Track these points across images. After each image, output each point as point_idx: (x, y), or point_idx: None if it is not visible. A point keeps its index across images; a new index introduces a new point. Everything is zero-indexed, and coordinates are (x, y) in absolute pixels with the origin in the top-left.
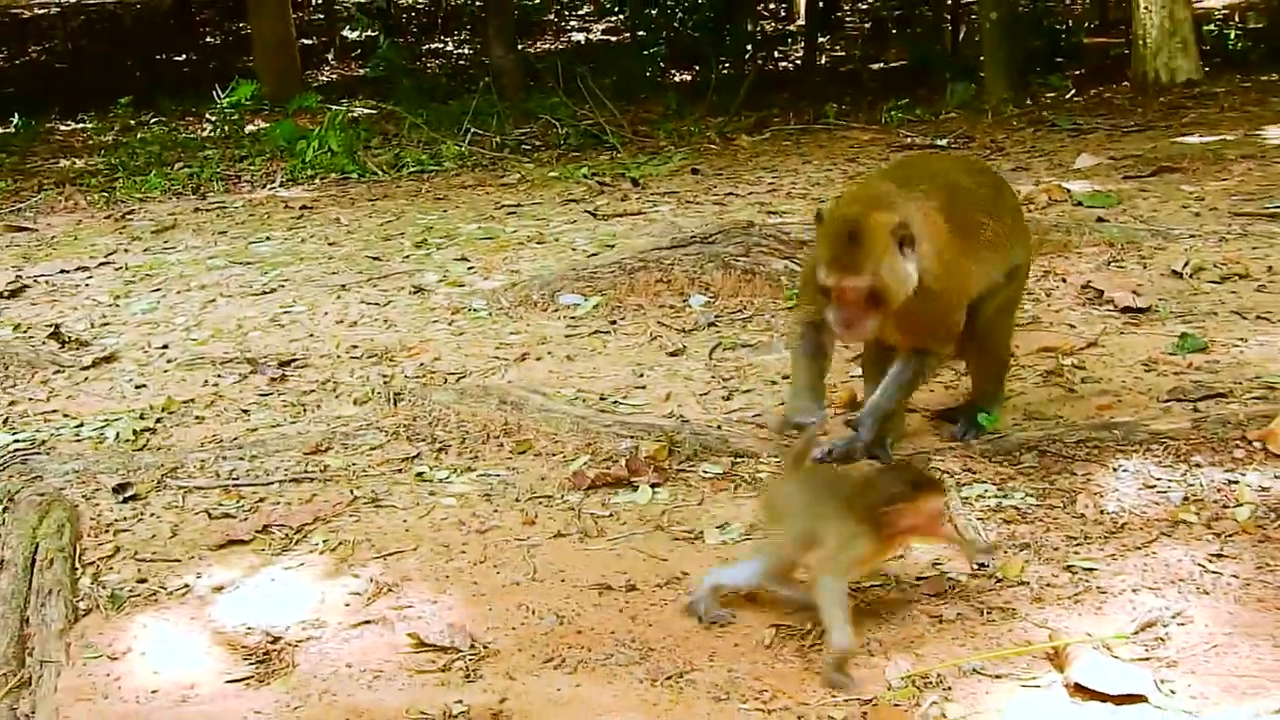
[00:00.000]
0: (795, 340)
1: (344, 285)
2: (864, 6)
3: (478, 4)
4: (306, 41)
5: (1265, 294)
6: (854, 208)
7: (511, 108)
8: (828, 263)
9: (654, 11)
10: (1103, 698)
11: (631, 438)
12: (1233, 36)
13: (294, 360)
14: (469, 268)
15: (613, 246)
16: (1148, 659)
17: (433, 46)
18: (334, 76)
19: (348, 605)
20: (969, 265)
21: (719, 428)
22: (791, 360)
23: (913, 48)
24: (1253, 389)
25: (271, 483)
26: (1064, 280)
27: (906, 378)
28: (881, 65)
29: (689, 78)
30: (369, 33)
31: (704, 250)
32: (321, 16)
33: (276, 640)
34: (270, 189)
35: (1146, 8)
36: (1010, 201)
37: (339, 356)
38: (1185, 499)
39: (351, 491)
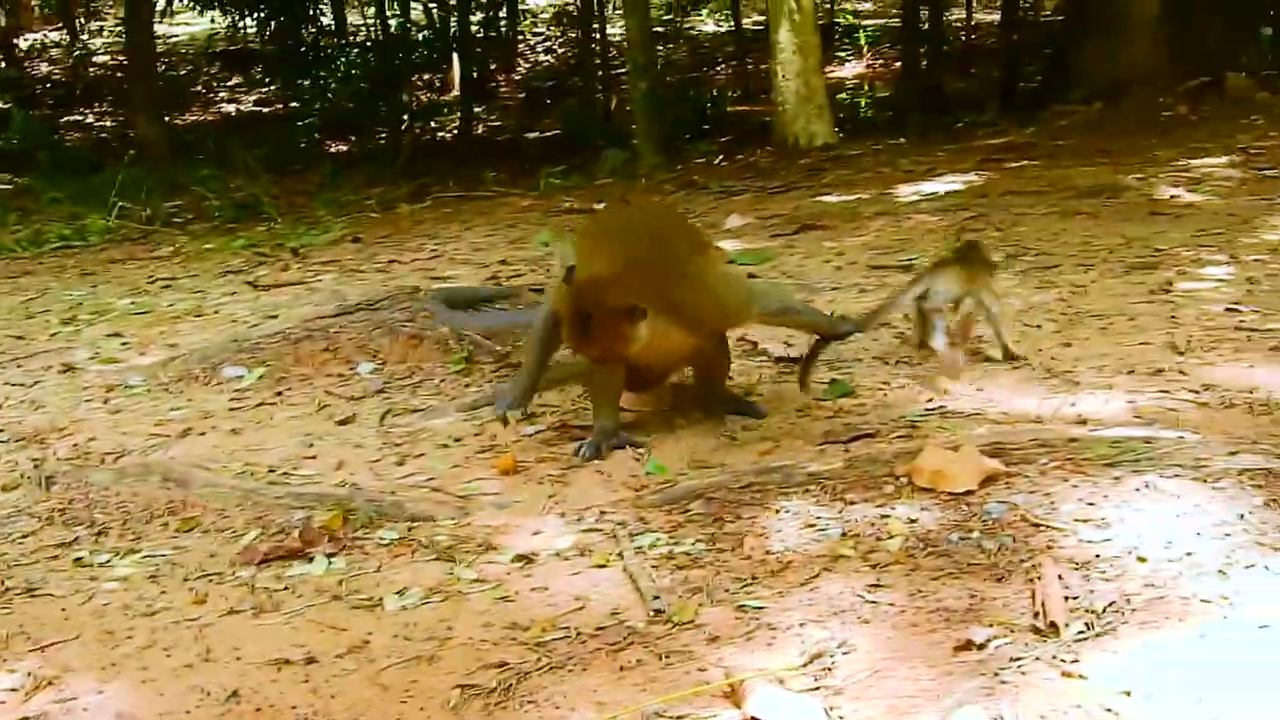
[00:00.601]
0: (539, 325)
1: None
2: (517, 78)
3: (119, 75)
4: None
5: (904, 339)
6: (591, 289)
7: (160, 180)
8: (569, 337)
9: (306, 83)
10: None
11: (304, 508)
12: (864, 104)
13: None
14: (123, 344)
15: (275, 317)
16: (817, 688)
17: (73, 118)
18: None
19: (2, 703)
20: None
21: (393, 493)
22: (528, 346)
23: (567, 118)
24: (897, 428)
25: None
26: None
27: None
28: (538, 134)
29: (345, 148)
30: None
31: (370, 317)
32: None
33: None
34: None
35: (784, 77)
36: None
37: None
38: (843, 535)
39: (2, 582)
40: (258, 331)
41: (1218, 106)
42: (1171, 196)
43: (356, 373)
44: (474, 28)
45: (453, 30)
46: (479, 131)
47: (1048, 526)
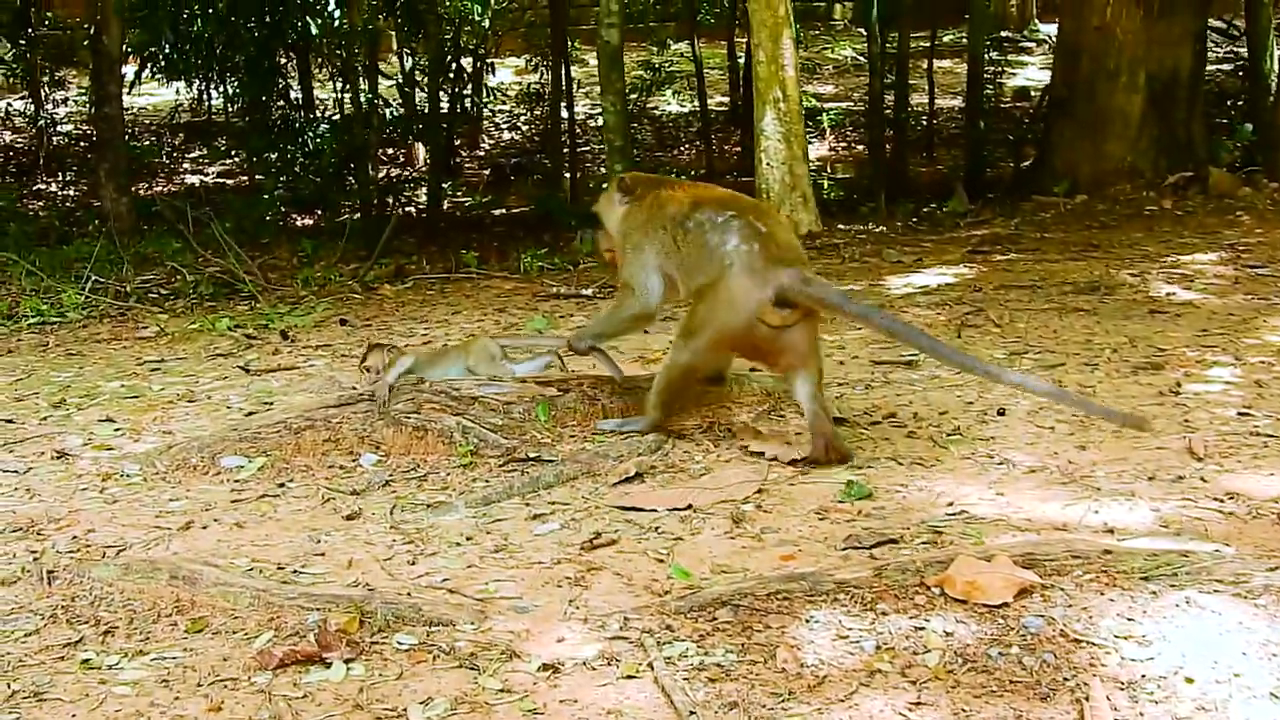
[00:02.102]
0: None
1: None
2: (481, 153)
3: (82, 145)
4: None
5: (915, 439)
6: None
7: (131, 253)
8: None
9: (274, 156)
10: None
11: (318, 610)
12: (826, 185)
13: None
14: (116, 429)
15: (270, 404)
16: None
17: (36, 187)
18: None
19: None
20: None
21: (409, 595)
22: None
23: (538, 197)
24: (921, 533)
25: None
26: (729, 431)
27: None
28: (504, 211)
29: (310, 222)
30: None
31: (373, 407)
32: None
33: None
34: None
35: (768, 164)
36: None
37: None
38: (878, 648)
39: (8, 685)
40: (256, 420)
41: (1201, 201)
42: (1168, 294)
43: (359, 464)
44: (442, 104)
45: (421, 106)
46: (445, 207)
47: (1088, 643)
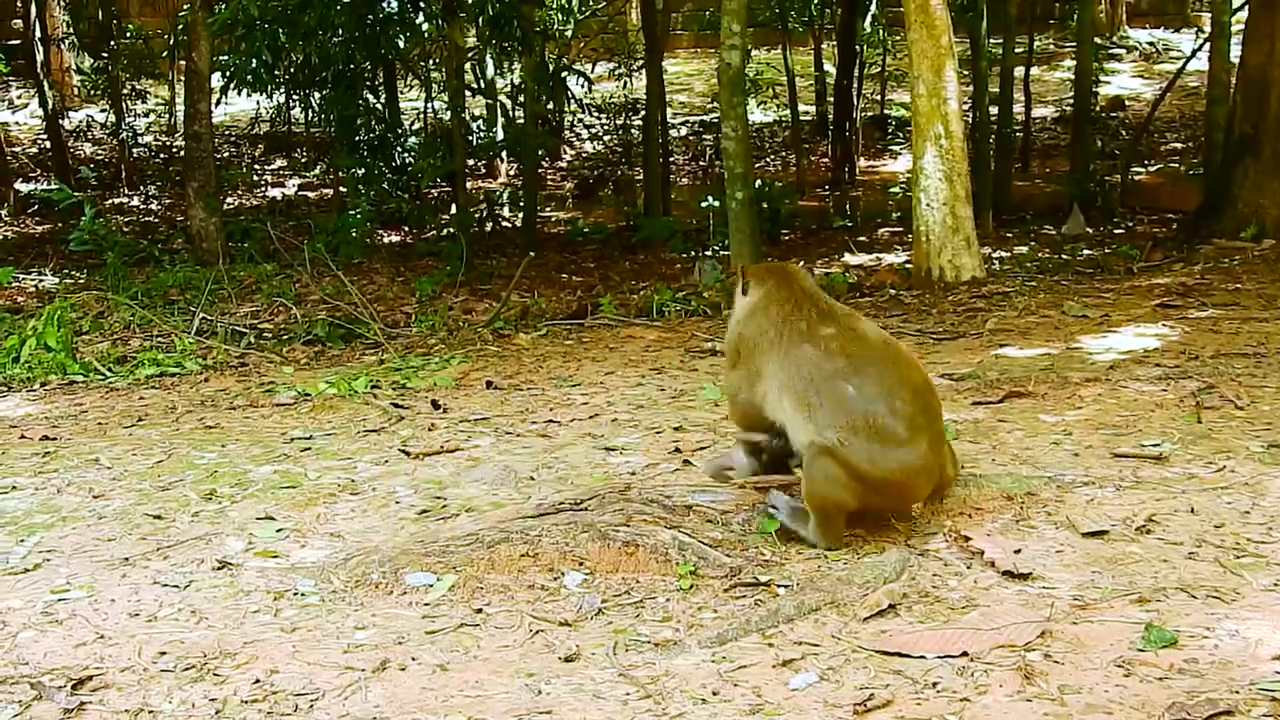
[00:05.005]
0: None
1: (127, 558)
2: (563, 165)
3: (162, 157)
4: None
5: (1197, 560)
6: None
7: (231, 283)
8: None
9: (360, 171)
10: None
11: None
12: None
13: (88, 678)
14: (278, 530)
15: (443, 499)
16: None
17: (119, 200)
18: (9, 234)
19: None
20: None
21: None
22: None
23: (635, 215)
24: (1256, 701)
25: None
26: (981, 555)
27: None
28: (594, 226)
29: (398, 239)
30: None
31: (576, 519)
32: None
33: None
34: None
35: (928, 205)
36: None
37: (145, 669)
38: None
39: None
40: (439, 527)
41: None
42: None
43: (563, 585)
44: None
45: (516, 118)
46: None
47: None
